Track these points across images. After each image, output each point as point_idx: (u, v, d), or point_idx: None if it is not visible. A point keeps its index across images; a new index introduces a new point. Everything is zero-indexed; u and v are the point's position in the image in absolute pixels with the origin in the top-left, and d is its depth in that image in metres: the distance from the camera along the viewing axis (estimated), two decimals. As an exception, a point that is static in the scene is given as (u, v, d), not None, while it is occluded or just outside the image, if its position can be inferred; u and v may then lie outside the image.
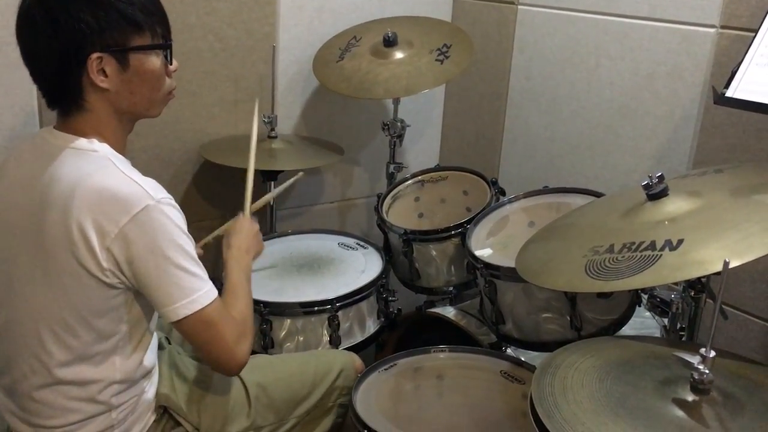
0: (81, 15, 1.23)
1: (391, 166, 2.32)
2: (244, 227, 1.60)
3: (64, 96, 1.30)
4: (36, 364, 1.30)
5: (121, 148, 1.34)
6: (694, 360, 1.01)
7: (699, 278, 1.46)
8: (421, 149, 2.68)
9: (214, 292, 1.31)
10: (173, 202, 1.28)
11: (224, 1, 2.13)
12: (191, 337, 1.32)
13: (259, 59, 2.23)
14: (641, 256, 1.23)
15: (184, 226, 1.29)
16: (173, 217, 1.26)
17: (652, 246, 1.24)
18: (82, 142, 1.29)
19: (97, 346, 1.29)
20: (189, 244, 1.28)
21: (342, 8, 2.35)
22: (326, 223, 2.50)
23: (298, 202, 2.47)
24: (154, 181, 1.28)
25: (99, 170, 1.25)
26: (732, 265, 1.09)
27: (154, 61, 1.32)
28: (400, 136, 2.28)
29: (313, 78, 2.27)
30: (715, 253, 1.14)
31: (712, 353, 1.00)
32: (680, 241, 1.21)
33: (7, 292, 1.33)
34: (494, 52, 2.46)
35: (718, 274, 1.05)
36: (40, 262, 1.26)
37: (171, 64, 1.37)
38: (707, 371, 1.01)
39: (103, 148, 1.29)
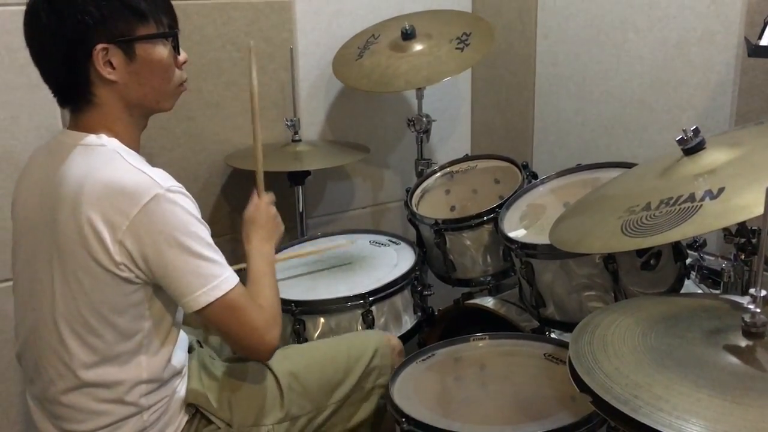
0: (84, 6, 1.22)
1: (420, 164, 2.26)
2: (260, 212, 1.54)
3: (73, 92, 1.28)
4: (61, 367, 1.27)
5: (133, 144, 1.32)
6: (744, 300, 0.92)
7: (749, 240, 1.38)
8: (452, 147, 2.61)
9: (236, 278, 1.28)
10: (184, 190, 1.25)
11: (240, 10, 2.13)
12: (218, 324, 1.28)
13: (280, 66, 2.22)
14: (680, 209, 1.16)
15: (197, 213, 1.26)
16: (184, 205, 1.23)
17: (692, 198, 1.17)
18: (91, 138, 1.27)
19: (121, 345, 1.26)
20: (204, 231, 1.25)
21: (359, 10, 2.32)
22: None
23: (329, 210, 2.43)
24: (163, 171, 1.25)
25: (106, 164, 1.23)
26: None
27: (161, 50, 1.30)
28: (427, 132, 2.22)
29: (334, 82, 2.25)
30: (760, 196, 1.05)
31: (763, 292, 0.92)
32: (721, 189, 1.14)
33: (30, 294, 1.31)
34: (518, 42, 2.41)
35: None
36: (57, 261, 1.24)
37: (179, 55, 1.35)
38: (758, 310, 0.92)
39: (111, 143, 1.27)
